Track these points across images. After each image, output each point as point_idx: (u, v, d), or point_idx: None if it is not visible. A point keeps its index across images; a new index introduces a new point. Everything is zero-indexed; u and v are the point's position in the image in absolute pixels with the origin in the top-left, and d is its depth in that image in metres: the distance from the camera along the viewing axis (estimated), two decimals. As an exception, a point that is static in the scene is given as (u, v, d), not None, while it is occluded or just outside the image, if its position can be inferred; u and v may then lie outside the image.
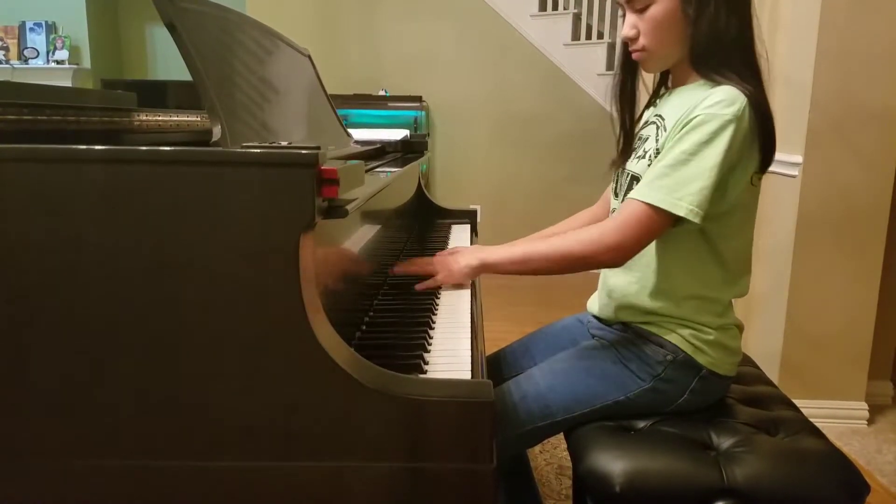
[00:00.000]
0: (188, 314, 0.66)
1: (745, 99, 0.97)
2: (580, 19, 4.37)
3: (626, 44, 1.10)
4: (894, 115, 2.00)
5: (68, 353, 0.66)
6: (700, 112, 0.97)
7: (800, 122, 2.04)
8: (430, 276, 1.17)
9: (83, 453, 0.68)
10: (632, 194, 1.01)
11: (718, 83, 1.00)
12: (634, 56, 1.08)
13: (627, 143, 1.16)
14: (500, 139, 4.45)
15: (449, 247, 1.50)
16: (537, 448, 1.92)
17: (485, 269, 1.11)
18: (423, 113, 4.31)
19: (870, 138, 2.01)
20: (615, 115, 1.18)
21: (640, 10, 1.04)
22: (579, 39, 4.30)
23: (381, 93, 4.41)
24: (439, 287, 1.17)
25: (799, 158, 2.04)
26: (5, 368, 0.67)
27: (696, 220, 0.96)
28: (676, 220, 0.98)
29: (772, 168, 2.27)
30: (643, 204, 0.98)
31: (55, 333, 0.66)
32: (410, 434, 0.67)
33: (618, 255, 1.00)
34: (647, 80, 1.19)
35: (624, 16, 1.08)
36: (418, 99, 4.30)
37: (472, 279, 1.15)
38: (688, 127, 0.98)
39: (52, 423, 0.67)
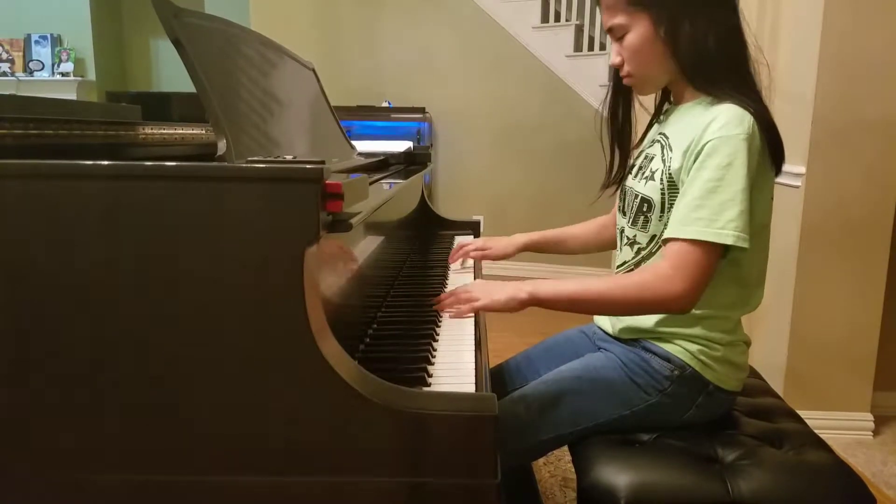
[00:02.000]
0: (192, 328, 0.66)
1: (751, 116, 0.96)
2: (582, 31, 4.39)
3: (615, 73, 1.12)
4: (897, 125, 2.00)
5: (71, 367, 0.66)
6: (711, 137, 0.96)
7: (802, 133, 2.04)
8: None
9: (82, 467, 0.68)
10: (670, 233, 0.98)
11: (719, 99, 1.00)
12: (625, 81, 1.10)
13: (621, 166, 1.17)
14: (503, 149, 4.46)
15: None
16: (541, 460, 1.91)
17: (534, 303, 1.02)
18: (427, 124, 4.32)
19: (872, 149, 2.01)
20: (606, 139, 1.18)
21: (620, 39, 1.05)
22: (581, 51, 4.32)
23: (385, 104, 4.43)
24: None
25: (802, 169, 2.04)
26: (8, 382, 0.67)
27: (746, 244, 0.94)
28: (725, 250, 0.96)
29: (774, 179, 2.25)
30: (687, 243, 0.95)
31: (58, 348, 0.66)
32: (414, 448, 0.67)
33: (686, 303, 0.96)
34: (642, 99, 1.19)
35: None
36: (421, 110, 4.31)
37: (517, 311, 1.04)
38: (703, 154, 0.97)
39: (52, 437, 0.67)
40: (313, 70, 1.51)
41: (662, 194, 1.04)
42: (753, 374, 1.34)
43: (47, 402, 0.67)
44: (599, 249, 1.42)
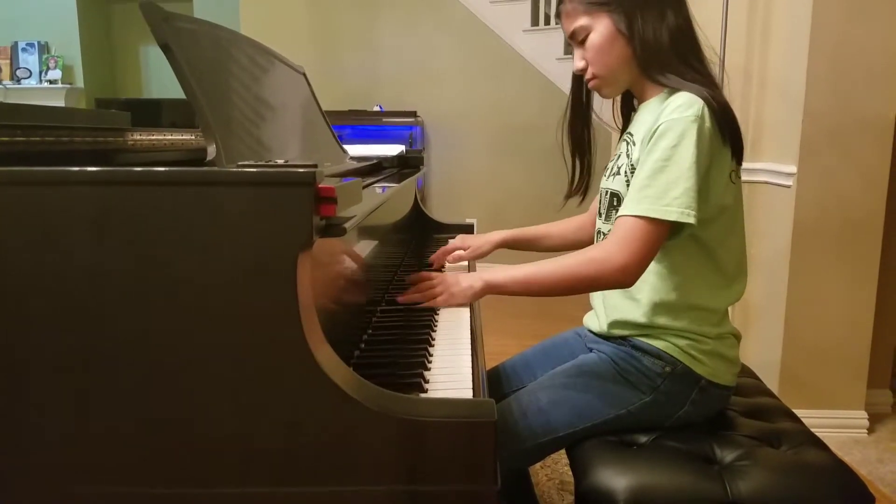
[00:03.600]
0: (184, 335, 0.65)
1: (702, 102, 0.99)
2: (572, 33, 4.40)
3: (574, 88, 1.19)
4: (888, 123, 2.01)
5: (62, 377, 0.65)
6: (662, 120, 1.00)
7: (793, 131, 2.05)
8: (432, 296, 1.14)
9: (74, 479, 0.67)
10: (620, 211, 1.01)
11: (675, 89, 1.04)
12: (590, 85, 1.14)
13: (581, 180, 1.24)
14: (496, 153, 4.46)
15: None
16: (538, 463, 1.90)
17: (489, 290, 1.10)
18: (419, 128, 4.32)
19: (864, 147, 2.02)
20: (567, 154, 1.24)
21: (582, 42, 1.09)
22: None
23: (376, 108, 4.42)
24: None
25: (793, 168, 2.05)
26: (1, 393, 0.65)
27: (691, 220, 0.96)
28: (673, 228, 0.99)
29: (765, 178, 2.27)
30: (634, 218, 0.98)
31: (49, 358, 0.65)
32: (411, 455, 0.66)
33: (627, 275, 0.98)
34: (603, 116, 1.24)
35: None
36: (413, 114, 4.31)
37: (475, 301, 1.14)
38: (654, 137, 1.00)
39: (42, 447, 0.66)
40: (304, 74, 1.50)
41: (628, 185, 1.06)
42: (749, 373, 1.34)
43: (38, 412, 0.66)
44: (577, 248, 1.44)
